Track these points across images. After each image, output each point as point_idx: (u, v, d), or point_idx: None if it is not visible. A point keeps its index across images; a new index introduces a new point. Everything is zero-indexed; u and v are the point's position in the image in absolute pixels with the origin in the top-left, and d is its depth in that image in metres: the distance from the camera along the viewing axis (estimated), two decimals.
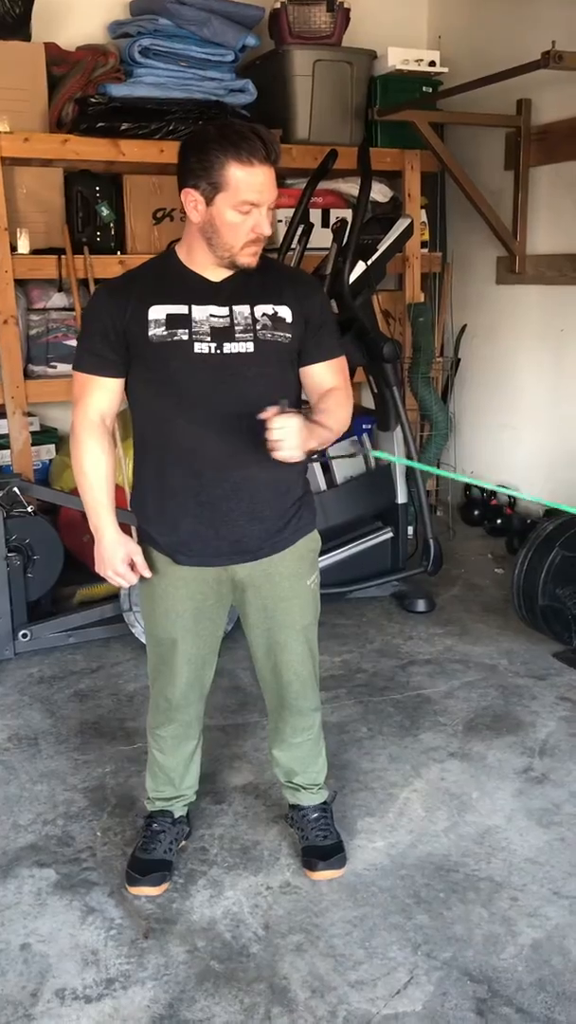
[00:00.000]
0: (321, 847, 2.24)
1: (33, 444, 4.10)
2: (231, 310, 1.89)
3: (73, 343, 4.02)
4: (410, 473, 3.79)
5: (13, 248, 3.81)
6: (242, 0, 4.13)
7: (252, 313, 1.90)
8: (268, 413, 1.75)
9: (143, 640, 3.31)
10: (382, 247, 3.58)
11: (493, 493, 4.73)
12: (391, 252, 3.65)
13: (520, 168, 4.32)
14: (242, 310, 1.89)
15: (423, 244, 4.65)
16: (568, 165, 4.09)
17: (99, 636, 3.48)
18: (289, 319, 1.93)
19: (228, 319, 1.88)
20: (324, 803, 2.32)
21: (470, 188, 4.28)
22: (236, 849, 2.33)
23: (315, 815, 2.29)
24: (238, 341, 1.88)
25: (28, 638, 3.32)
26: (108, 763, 2.70)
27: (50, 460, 4.31)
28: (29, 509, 3.36)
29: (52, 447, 4.33)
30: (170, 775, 2.25)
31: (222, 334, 1.88)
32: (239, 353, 1.88)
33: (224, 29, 3.97)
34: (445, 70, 4.44)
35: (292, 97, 4.20)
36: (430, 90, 4.46)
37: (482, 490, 4.82)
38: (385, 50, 4.36)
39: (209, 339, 1.87)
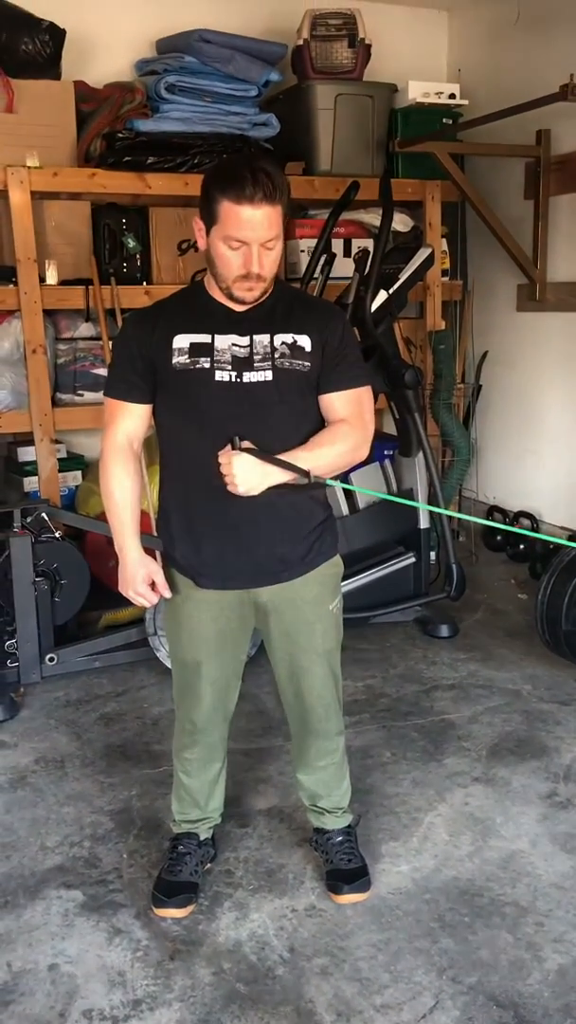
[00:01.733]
0: (345, 871, 2.25)
1: (60, 471, 4.16)
2: (252, 339, 1.93)
3: (100, 372, 4.10)
4: (433, 498, 3.81)
5: (42, 279, 3.89)
6: (265, 38, 4.23)
7: (271, 342, 1.94)
8: (221, 452, 1.83)
9: (168, 664, 3.34)
10: (403, 276, 3.63)
11: (516, 518, 4.74)
12: (412, 281, 3.70)
13: (540, 197, 4.36)
14: (262, 339, 1.93)
15: (444, 272, 4.69)
16: None
17: (124, 660, 3.51)
18: (308, 348, 1.96)
19: (248, 348, 1.93)
20: (348, 827, 2.33)
21: (490, 217, 4.34)
22: (261, 872, 2.34)
23: (339, 838, 2.30)
24: (257, 370, 1.92)
25: (55, 662, 3.36)
26: (134, 786, 2.73)
27: (76, 486, 4.37)
28: (57, 534, 3.41)
29: (79, 474, 4.39)
30: (195, 797, 2.27)
31: (242, 363, 1.92)
32: (258, 382, 1.92)
33: (248, 65, 4.06)
34: (465, 102, 4.51)
35: (315, 130, 4.28)
36: (450, 122, 4.53)
37: (504, 515, 4.83)
38: (406, 83, 4.44)
39: (230, 367, 1.91)
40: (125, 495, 2.02)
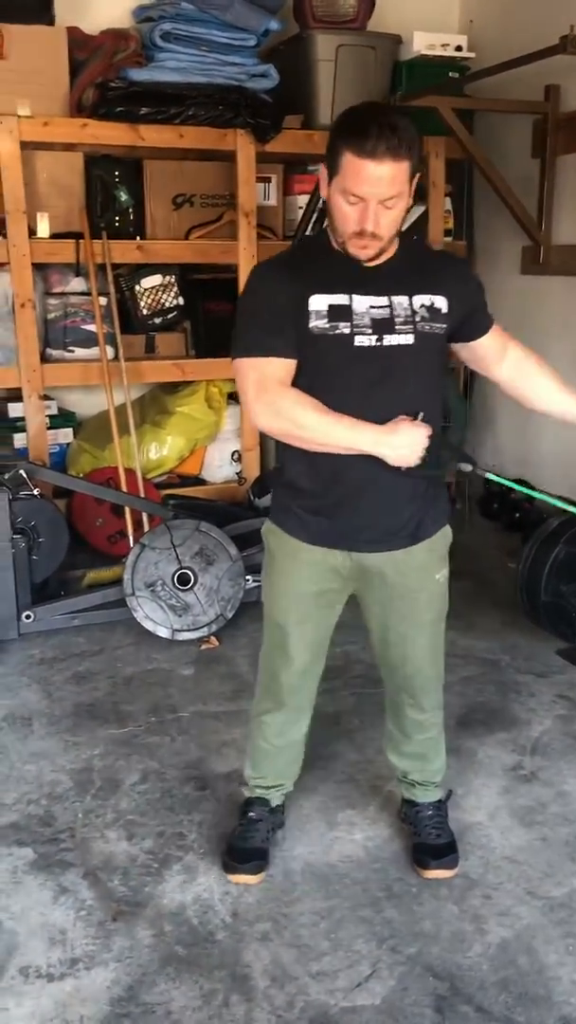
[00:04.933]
0: (434, 845, 2.22)
1: (51, 428, 4.15)
2: (390, 300, 1.85)
3: (91, 328, 4.05)
4: None
5: (33, 232, 3.84)
6: None
7: (411, 304, 1.86)
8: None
9: (145, 625, 3.34)
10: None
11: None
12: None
13: (547, 156, 4.23)
14: (401, 301, 1.85)
15: (447, 233, 4.58)
16: None
17: (104, 620, 3.50)
18: (444, 310, 1.89)
19: (388, 310, 1.85)
20: (439, 801, 2.30)
21: (494, 175, 4.20)
22: (214, 836, 2.33)
23: (429, 812, 2.27)
24: (398, 333, 1.85)
25: (32, 619, 3.35)
26: (98, 745, 2.72)
27: (67, 444, 4.35)
28: (35, 492, 3.39)
29: (70, 431, 4.36)
30: (273, 762, 2.24)
31: (382, 325, 1.84)
32: (399, 345, 1.85)
33: (247, 13, 3.94)
34: (471, 55, 4.35)
35: (314, 82, 4.16)
36: (456, 75, 4.38)
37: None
38: (411, 35, 4.29)
39: (370, 331, 1.84)
40: (310, 407, 1.82)
